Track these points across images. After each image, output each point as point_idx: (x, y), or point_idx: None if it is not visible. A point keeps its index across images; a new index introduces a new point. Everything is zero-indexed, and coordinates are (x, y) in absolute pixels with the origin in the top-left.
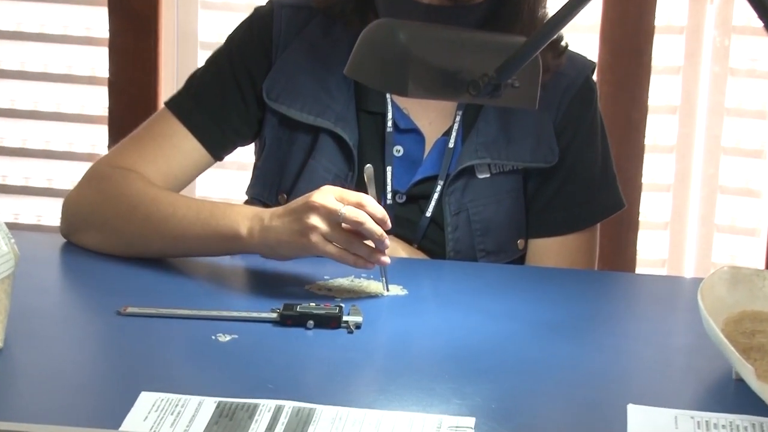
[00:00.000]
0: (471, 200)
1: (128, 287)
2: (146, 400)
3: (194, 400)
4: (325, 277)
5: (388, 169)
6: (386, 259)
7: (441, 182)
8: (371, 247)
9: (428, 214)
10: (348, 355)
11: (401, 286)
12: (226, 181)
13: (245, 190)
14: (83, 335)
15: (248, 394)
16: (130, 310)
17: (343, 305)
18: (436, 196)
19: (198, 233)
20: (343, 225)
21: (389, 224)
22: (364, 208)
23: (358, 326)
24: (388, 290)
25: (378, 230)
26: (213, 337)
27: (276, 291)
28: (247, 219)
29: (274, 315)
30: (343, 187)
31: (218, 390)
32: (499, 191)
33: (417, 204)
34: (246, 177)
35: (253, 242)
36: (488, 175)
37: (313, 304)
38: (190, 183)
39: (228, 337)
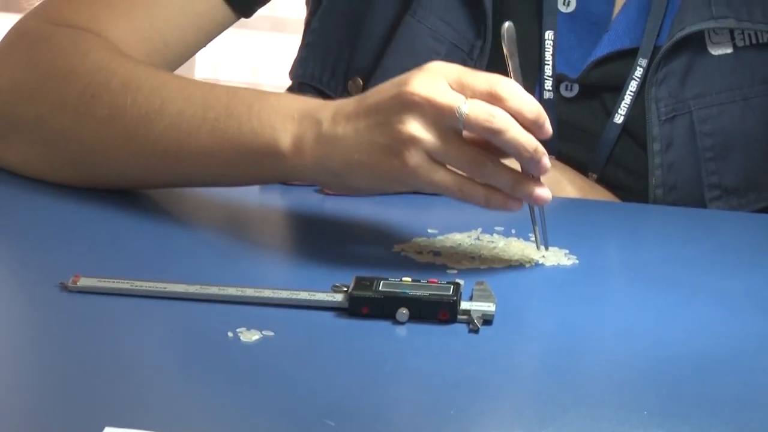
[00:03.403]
0: (697, 95)
1: (82, 243)
2: None
3: None
4: (430, 231)
5: (548, 36)
6: (545, 192)
7: (643, 61)
8: (517, 172)
9: (618, 119)
10: (469, 372)
11: (565, 251)
12: (251, 55)
13: (288, 69)
14: (0, 325)
15: None
16: (83, 282)
17: (461, 282)
18: (633, 86)
19: (203, 144)
20: (464, 133)
21: (549, 129)
22: (502, 103)
23: (487, 320)
24: (546, 251)
25: (530, 141)
26: (230, 335)
27: (342, 254)
28: (291, 119)
29: (339, 297)
30: (464, 65)
31: (240, 428)
32: (750, 80)
33: (598, 101)
34: (289, 47)
35: (303, 163)
36: (730, 51)
37: (408, 279)
38: (190, 58)
39: (256, 336)
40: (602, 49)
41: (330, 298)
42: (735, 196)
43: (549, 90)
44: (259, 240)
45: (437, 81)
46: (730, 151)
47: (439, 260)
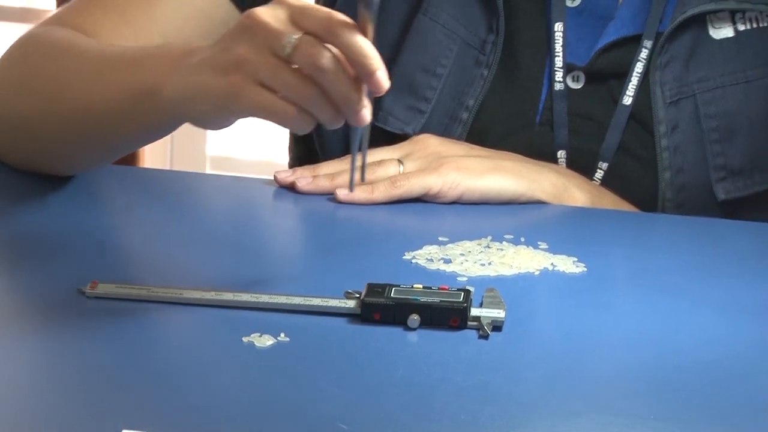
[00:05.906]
0: (701, 79)
1: (99, 249)
2: None
3: None
4: (441, 239)
5: (557, 27)
6: (365, 114)
7: (648, 43)
8: (336, 108)
9: (626, 101)
10: (479, 377)
11: (574, 259)
12: None
13: None
14: (19, 331)
15: None
16: (100, 288)
17: (472, 289)
18: (639, 68)
19: (103, 94)
20: (295, 66)
21: (380, 81)
22: (337, 39)
23: (497, 326)
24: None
25: (349, 87)
26: (244, 340)
27: (354, 261)
28: (172, 58)
29: (351, 303)
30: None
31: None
32: (752, 62)
33: (605, 88)
34: None
35: (168, 95)
36: (731, 35)
37: (419, 285)
38: None
39: (270, 341)
40: (608, 36)
41: (342, 305)
42: (741, 177)
43: (560, 81)
44: (272, 247)
45: (278, 10)
46: (734, 132)
47: (449, 268)
